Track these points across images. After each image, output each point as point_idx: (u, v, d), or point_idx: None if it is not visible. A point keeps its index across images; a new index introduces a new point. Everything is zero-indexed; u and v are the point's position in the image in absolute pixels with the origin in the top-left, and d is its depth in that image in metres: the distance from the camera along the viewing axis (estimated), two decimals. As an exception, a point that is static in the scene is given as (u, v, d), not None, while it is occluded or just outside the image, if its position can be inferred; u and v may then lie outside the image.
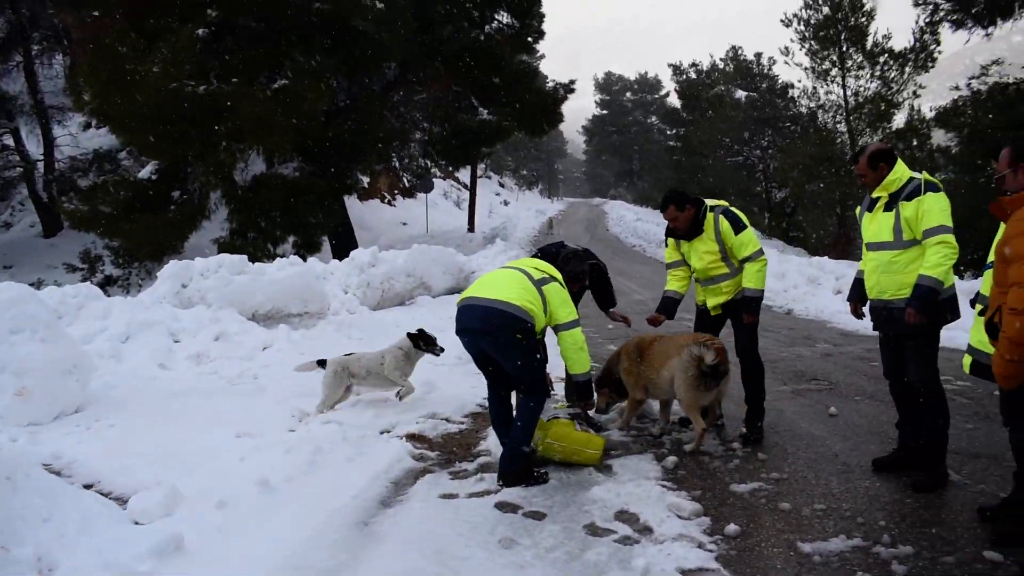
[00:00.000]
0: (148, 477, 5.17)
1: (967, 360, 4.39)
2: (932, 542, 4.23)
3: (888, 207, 5.09)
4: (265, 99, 17.70)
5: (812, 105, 36.00)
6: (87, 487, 5.12)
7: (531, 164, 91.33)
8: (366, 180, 33.10)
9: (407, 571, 3.97)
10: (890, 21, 32.10)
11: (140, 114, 17.25)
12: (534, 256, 6.59)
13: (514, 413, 5.57)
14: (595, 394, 6.23)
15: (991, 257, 4.24)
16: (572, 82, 25.93)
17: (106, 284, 23.09)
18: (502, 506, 4.90)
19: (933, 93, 31.48)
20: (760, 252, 6.25)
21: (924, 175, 5.07)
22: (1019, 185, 3.59)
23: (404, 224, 37.81)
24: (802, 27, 33.23)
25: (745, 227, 6.30)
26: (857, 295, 5.63)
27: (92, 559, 3.97)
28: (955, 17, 20.78)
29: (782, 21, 33.49)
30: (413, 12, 21.74)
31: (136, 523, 4.55)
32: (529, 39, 26.31)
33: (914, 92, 31.08)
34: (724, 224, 6.28)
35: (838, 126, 34.14)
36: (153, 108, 17.07)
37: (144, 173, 22.27)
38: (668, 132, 68.54)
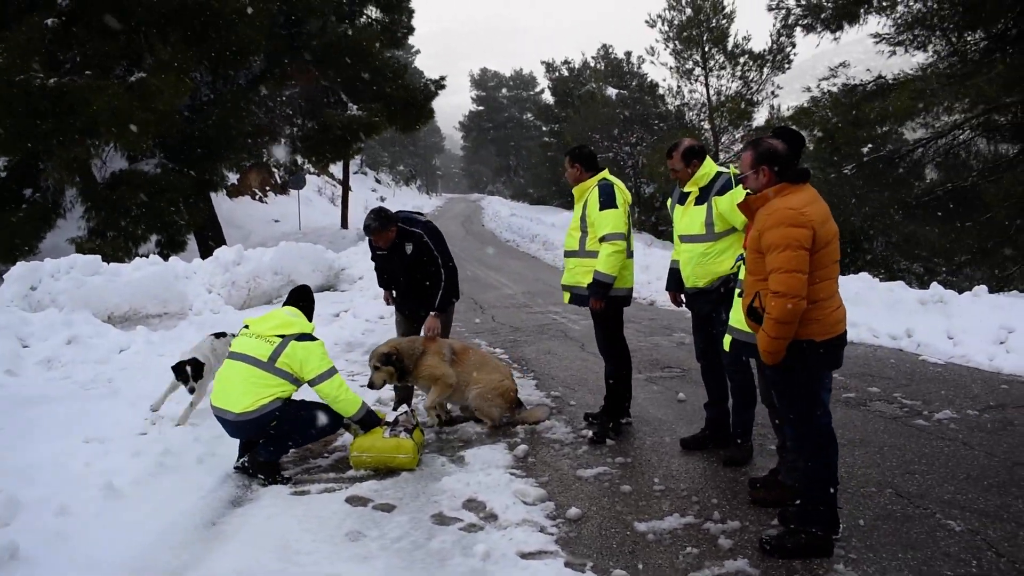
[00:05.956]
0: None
1: (727, 339, 4.62)
2: (759, 516, 4.54)
3: (699, 201, 5.40)
4: (120, 93, 16.97)
5: (678, 103, 37.17)
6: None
7: (408, 160, 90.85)
8: (234, 177, 32.18)
9: (251, 568, 4.00)
10: (749, 24, 33.47)
11: (-18, 106, 16.30)
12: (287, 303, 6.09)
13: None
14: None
15: (740, 250, 4.77)
16: (443, 78, 25.96)
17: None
18: (353, 500, 4.97)
19: (795, 93, 32.98)
20: (618, 236, 5.76)
21: (732, 169, 5.39)
22: (760, 185, 3.99)
23: (276, 221, 36.92)
24: (666, 27, 34.25)
25: (613, 207, 5.81)
26: (675, 284, 5.85)
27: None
28: (806, 22, 21.80)
29: (647, 22, 34.42)
30: (278, 5, 21.30)
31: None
32: (399, 34, 26.23)
33: (772, 92, 32.60)
34: (593, 195, 5.91)
35: (703, 123, 35.36)
36: (-5, 100, 16.16)
37: (-8, 170, 21.07)
38: (543, 128, 69.41)
